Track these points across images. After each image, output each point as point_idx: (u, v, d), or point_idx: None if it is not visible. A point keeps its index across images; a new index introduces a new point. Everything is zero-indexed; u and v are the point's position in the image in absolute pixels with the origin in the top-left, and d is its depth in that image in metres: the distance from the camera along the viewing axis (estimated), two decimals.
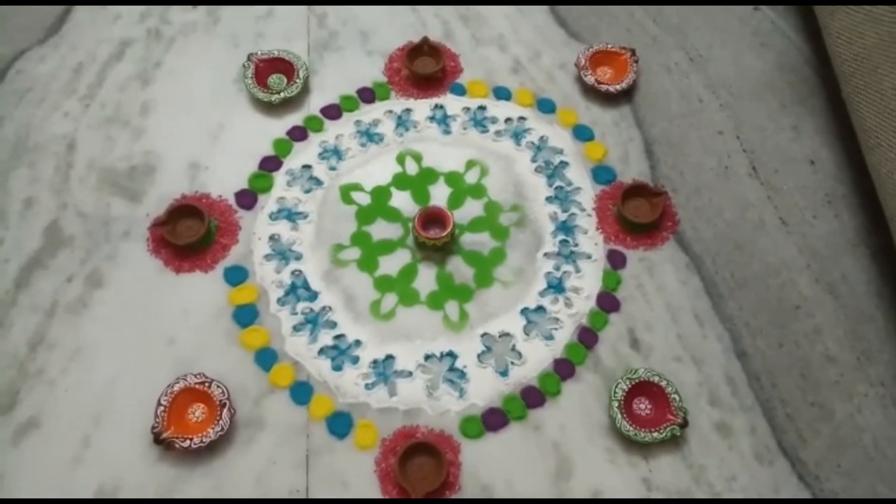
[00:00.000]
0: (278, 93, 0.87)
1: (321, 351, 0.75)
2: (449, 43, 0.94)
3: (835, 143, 0.89)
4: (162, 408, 0.69)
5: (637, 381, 0.72)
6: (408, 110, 0.90)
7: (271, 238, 0.80)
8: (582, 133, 0.89)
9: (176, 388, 0.70)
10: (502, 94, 0.92)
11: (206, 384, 0.70)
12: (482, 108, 0.90)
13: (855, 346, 0.77)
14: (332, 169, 0.85)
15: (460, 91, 0.92)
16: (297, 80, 0.88)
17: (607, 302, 0.78)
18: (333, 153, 0.86)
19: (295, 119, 0.88)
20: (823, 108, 0.91)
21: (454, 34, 0.96)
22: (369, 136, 0.88)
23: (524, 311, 0.78)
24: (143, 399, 0.70)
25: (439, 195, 0.84)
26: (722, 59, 0.95)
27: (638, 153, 0.88)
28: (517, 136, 0.89)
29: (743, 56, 0.95)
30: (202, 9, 0.96)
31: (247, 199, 0.83)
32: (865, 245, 0.82)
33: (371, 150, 0.87)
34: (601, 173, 0.86)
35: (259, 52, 0.89)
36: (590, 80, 0.90)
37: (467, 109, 0.90)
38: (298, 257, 0.80)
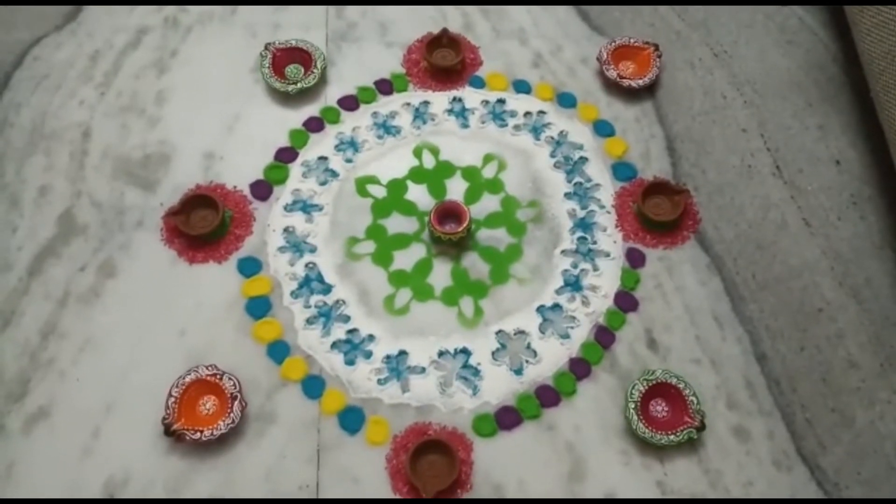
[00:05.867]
0: (295, 83, 0.86)
1: (334, 345, 0.74)
2: (469, 35, 0.93)
3: (861, 143, 0.87)
4: (173, 399, 0.68)
5: (654, 382, 0.71)
6: (426, 103, 0.89)
7: (286, 230, 0.80)
8: (603, 128, 0.87)
9: (187, 379, 0.69)
10: (522, 87, 0.90)
11: (218, 376, 0.70)
12: (501, 101, 0.89)
13: (878, 351, 0.75)
14: (349, 161, 0.84)
15: (479, 84, 0.90)
16: (315, 71, 0.87)
17: (625, 301, 0.77)
18: (350, 145, 0.85)
19: (311, 110, 0.87)
20: (850, 108, 0.89)
21: (474, 26, 0.94)
22: (386, 128, 0.87)
23: (540, 309, 0.77)
24: (154, 390, 0.69)
25: (456, 189, 0.83)
26: (747, 55, 0.93)
27: (659, 150, 0.86)
28: (536, 131, 0.87)
29: (769, 53, 0.93)
30: None
31: (262, 189, 0.82)
32: (891, 248, 0.81)
33: (388, 142, 0.86)
34: (622, 170, 0.85)
35: (276, 42, 0.89)
36: (612, 74, 0.88)
37: (486, 102, 0.89)
38: (313, 250, 0.79)
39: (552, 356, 0.74)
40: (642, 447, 0.70)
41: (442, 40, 0.91)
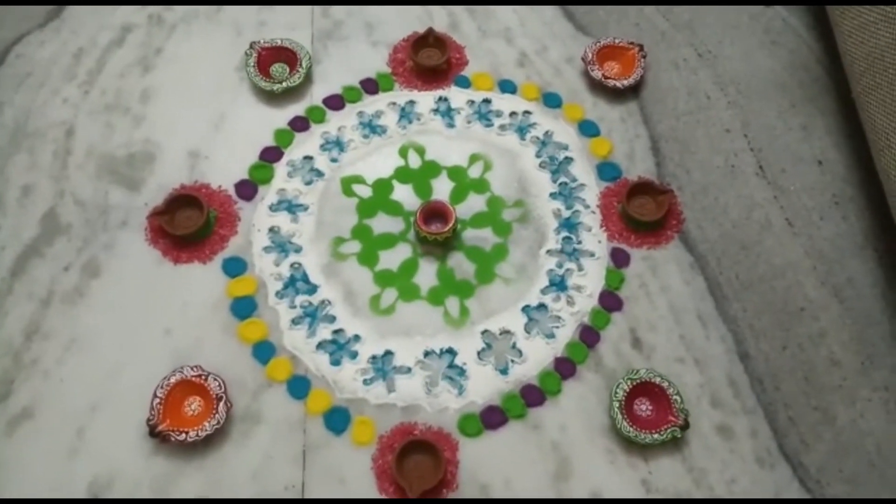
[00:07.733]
0: (280, 82, 0.86)
1: (319, 345, 0.74)
2: (455, 35, 0.93)
3: (844, 143, 0.88)
4: (158, 400, 0.68)
5: (638, 381, 0.72)
6: (411, 102, 0.89)
7: (271, 230, 0.80)
8: (588, 129, 0.88)
9: (172, 380, 0.69)
10: (508, 87, 0.90)
11: (203, 377, 0.69)
12: (487, 101, 0.89)
13: (860, 350, 0.76)
14: (334, 161, 0.84)
15: (465, 84, 0.90)
16: (300, 70, 0.87)
17: (610, 301, 0.78)
18: (335, 145, 0.85)
19: (297, 109, 0.87)
20: (833, 109, 0.90)
21: (460, 26, 0.94)
22: (372, 127, 0.87)
23: (525, 309, 0.77)
24: (139, 391, 0.69)
25: (442, 189, 0.83)
26: (731, 56, 0.94)
27: (644, 150, 0.87)
28: (522, 131, 0.87)
29: (753, 53, 0.94)
30: None
31: (247, 189, 0.82)
32: (873, 248, 0.81)
33: (374, 142, 0.86)
34: (606, 170, 0.85)
35: (262, 41, 0.88)
36: (597, 74, 0.89)
37: (472, 102, 0.89)
38: (298, 250, 0.79)
39: (537, 356, 0.74)
40: (627, 446, 0.70)
41: (428, 40, 0.91)
